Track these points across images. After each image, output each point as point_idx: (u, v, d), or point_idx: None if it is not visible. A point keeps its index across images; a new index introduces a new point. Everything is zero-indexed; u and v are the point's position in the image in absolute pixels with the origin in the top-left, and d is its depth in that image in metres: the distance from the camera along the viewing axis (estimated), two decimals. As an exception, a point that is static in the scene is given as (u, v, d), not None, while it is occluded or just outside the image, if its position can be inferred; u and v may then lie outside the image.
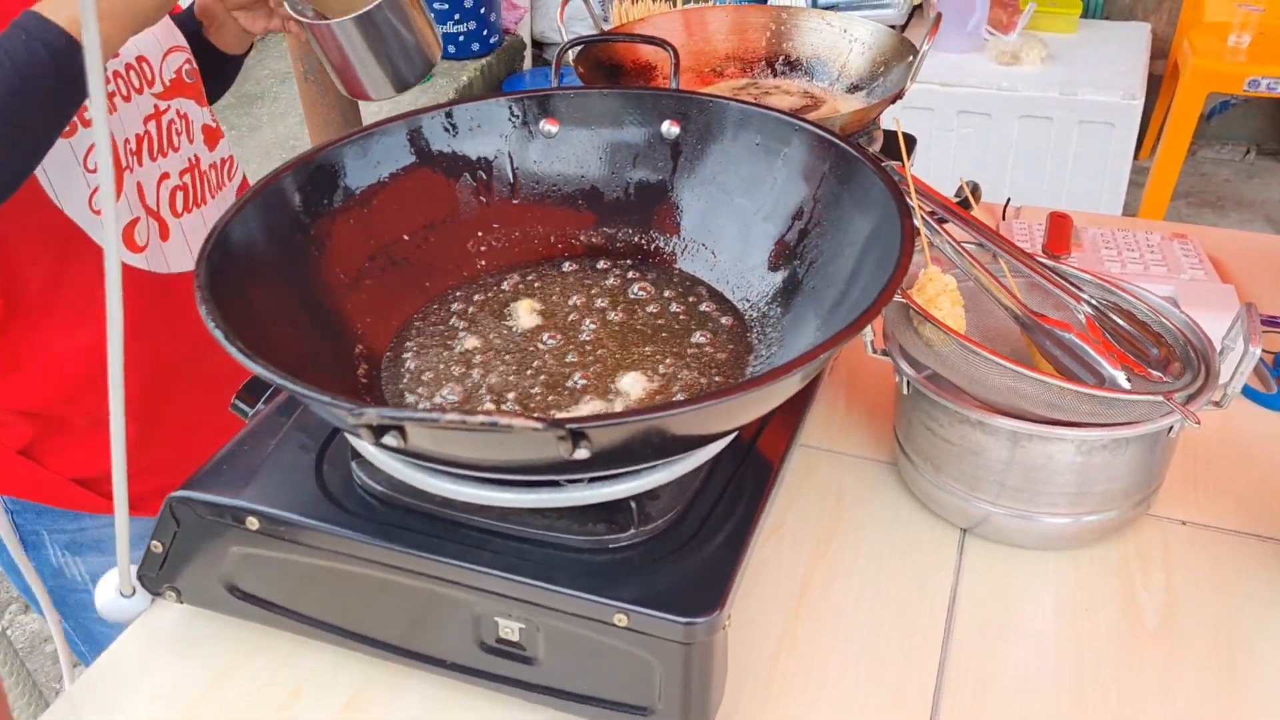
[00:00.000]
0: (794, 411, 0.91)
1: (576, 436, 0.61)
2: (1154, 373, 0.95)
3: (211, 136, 1.27)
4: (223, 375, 1.28)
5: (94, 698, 0.87)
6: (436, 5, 3.97)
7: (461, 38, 4.05)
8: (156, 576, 0.88)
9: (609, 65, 1.29)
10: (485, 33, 4.08)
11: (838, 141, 0.88)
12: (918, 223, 1.02)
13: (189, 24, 1.28)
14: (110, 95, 1.12)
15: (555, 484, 0.75)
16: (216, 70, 1.32)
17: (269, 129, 4.16)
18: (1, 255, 1.08)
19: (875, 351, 1.01)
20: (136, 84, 1.15)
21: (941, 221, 1.14)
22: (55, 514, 1.23)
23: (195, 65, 1.25)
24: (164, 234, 1.20)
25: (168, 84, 1.20)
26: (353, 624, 0.85)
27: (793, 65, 1.36)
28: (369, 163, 0.92)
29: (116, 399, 0.72)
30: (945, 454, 0.98)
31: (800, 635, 0.90)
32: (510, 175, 1.00)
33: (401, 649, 0.83)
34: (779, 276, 0.91)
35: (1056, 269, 1.06)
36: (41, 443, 1.20)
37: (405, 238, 0.95)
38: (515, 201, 1.00)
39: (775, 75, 1.37)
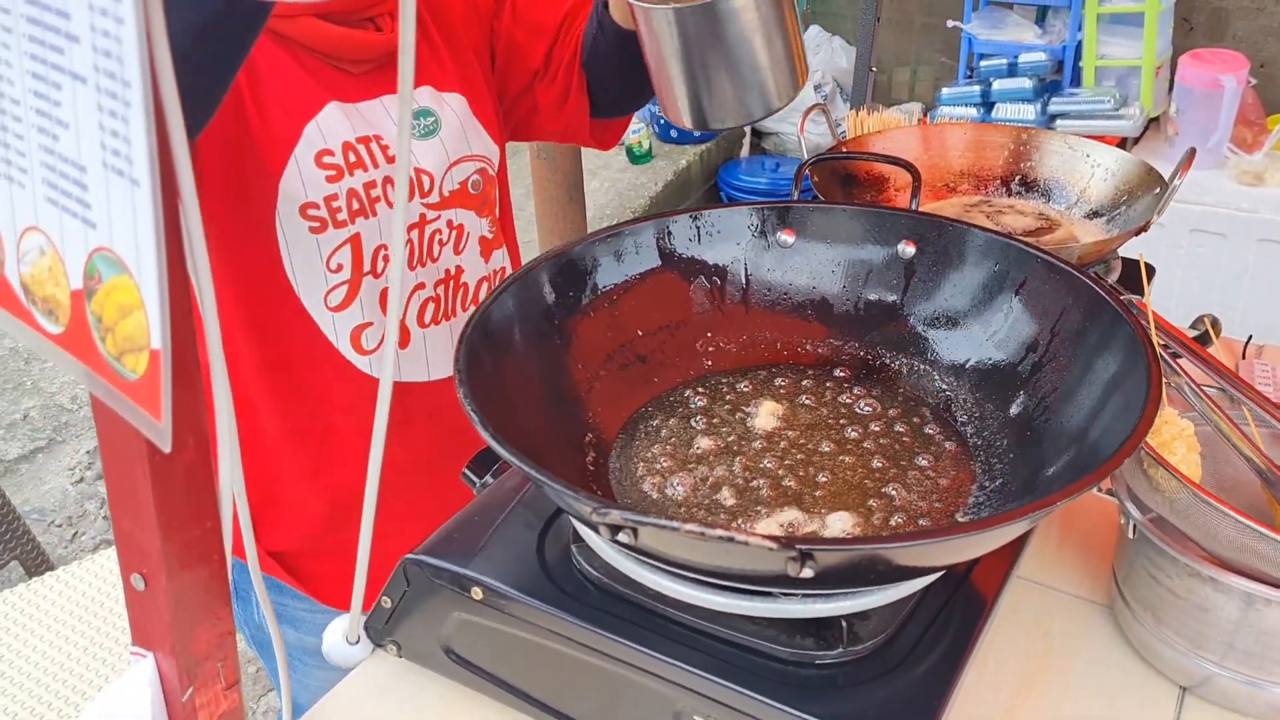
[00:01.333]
0: (1012, 546, 0.89)
1: (805, 557, 0.63)
2: None
3: (487, 247, 1.24)
4: (443, 483, 1.23)
5: (314, 737, 0.93)
6: (663, 90, 4.12)
7: (684, 123, 4.18)
8: (382, 629, 0.94)
9: (843, 174, 1.32)
10: (707, 119, 4.20)
11: (1082, 278, 0.88)
12: (1156, 362, 0.99)
13: (599, 10, 1.17)
14: (374, 200, 1.12)
15: (768, 593, 0.77)
16: (626, 68, 1.16)
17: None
18: (232, 329, 1.13)
19: (1100, 489, 0.98)
20: (414, 191, 1.14)
21: (1176, 356, 1.10)
22: (267, 584, 1.29)
23: (489, 175, 1.22)
24: (404, 342, 1.20)
25: (446, 195, 1.17)
26: (556, 700, 0.88)
27: (1029, 186, 1.35)
28: (618, 261, 0.98)
29: (374, 470, 0.78)
30: (1169, 605, 0.93)
31: (999, 777, 0.87)
32: (743, 281, 1.04)
33: (599, 732, 0.86)
34: (1008, 407, 0.91)
35: (1306, 423, 1.01)
36: (253, 514, 1.23)
37: (640, 333, 0.99)
38: (746, 307, 1.04)
39: (1010, 194, 1.36)
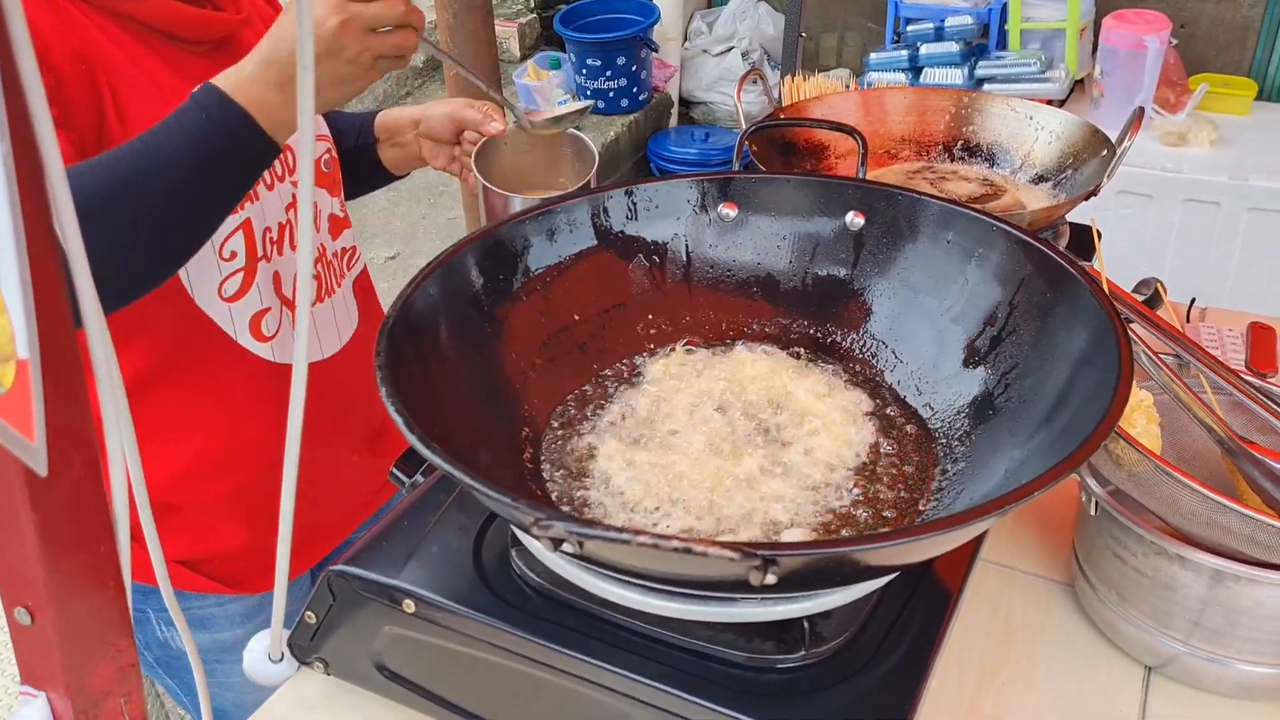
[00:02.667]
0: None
1: (768, 563, 0.57)
2: (1381, 517, 0.86)
3: (337, 225, 1.25)
4: (343, 461, 1.27)
5: (236, 766, 0.86)
6: (589, 61, 4.02)
7: (611, 94, 4.09)
8: (307, 646, 0.87)
9: (782, 142, 1.26)
10: (635, 90, 4.11)
11: (1042, 247, 0.83)
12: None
13: (365, 135, 1.28)
14: (257, 185, 1.08)
15: (726, 597, 0.71)
16: (368, 181, 1.33)
17: (423, 171, 4.27)
18: (123, 333, 1.05)
19: (1060, 466, 0.94)
20: (280, 171, 1.13)
21: (1128, 323, 1.07)
22: (158, 593, 1.23)
23: (334, 155, 1.25)
24: (295, 323, 1.18)
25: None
26: (499, 716, 0.82)
27: (972, 151, 1.31)
28: (550, 241, 0.91)
29: (289, 477, 0.71)
30: (1134, 584, 0.90)
31: (968, 772, 0.84)
32: (684, 258, 0.98)
33: (547, 748, 0.80)
34: (968, 386, 0.86)
35: (1265, 390, 0.98)
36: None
37: (576, 318, 0.93)
38: (688, 286, 0.98)
39: (953, 160, 1.32)
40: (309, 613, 0.85)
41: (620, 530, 0.54)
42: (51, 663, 0.66)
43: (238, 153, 0.91)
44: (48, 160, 0.49)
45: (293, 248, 1.15)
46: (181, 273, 1.05)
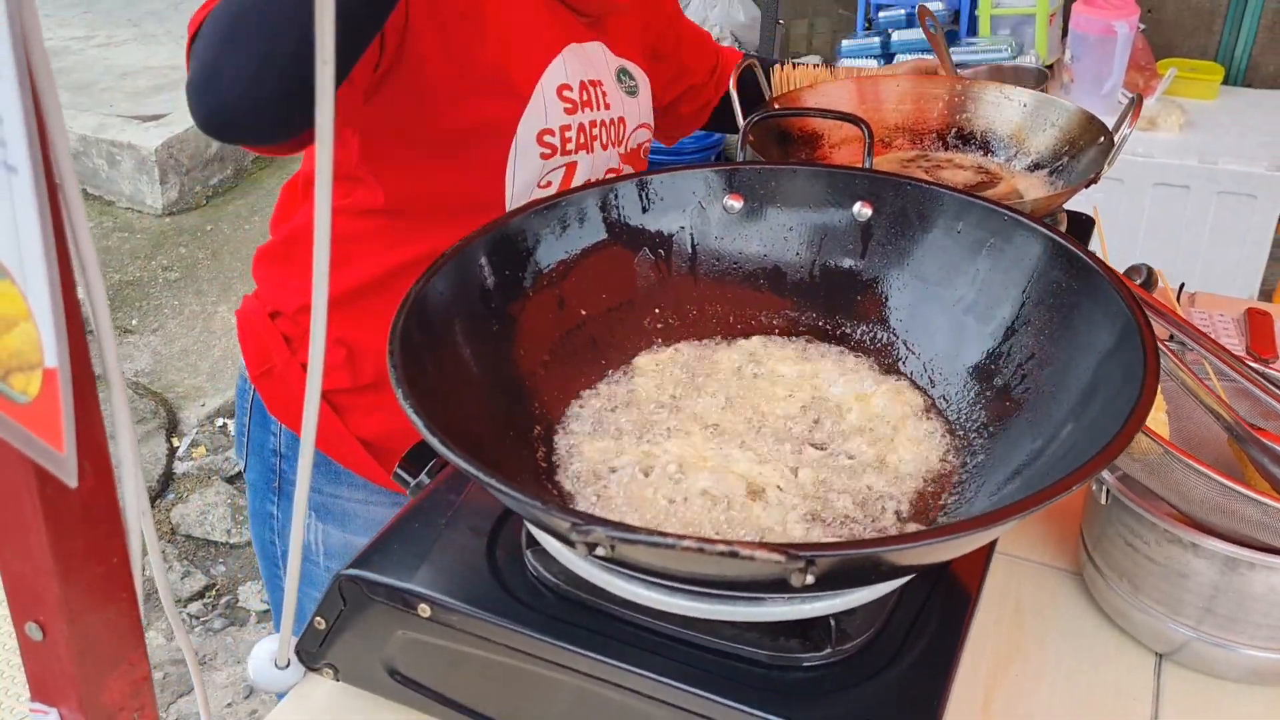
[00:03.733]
0: (993, 522, 0.84)
1: (809, 564, 0.56)
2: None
3: None
4: None
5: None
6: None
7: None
8: (315, 652, 0.85)
9: (778, 132, 1.25)
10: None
11: (1056, 237, 0.82)
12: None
13: None
14: (593, 138, 1.18)
15: (753, 597, 0.70)
16: None
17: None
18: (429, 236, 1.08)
19: (1069, 456, 0.94)
20: (614, 139, 1.21)
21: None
22: (320, 472, 1.22)
23: (648, 149, 1.33)
24: None
25: (630, 149, 1.26)
26: (516, 720, 0.81)
27: (966, 139, 1.31)
28: (557, 236, 0.89)
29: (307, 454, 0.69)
30: (1146, 572, 0.90)
31: (987, 764, 0.83)
32: (690, 250, 0.96)
33: (566, 751, 0.79)
34: (981, 377, 0.86)
35: (1269, 375, 0.98)
36: (346, 397, 1.19)
37: (584, 313, 0.91)
38: (694, 279, 0.96)
39: (947, 148, 1.31)
40: (318, 618, 0.83)
41: (664, 535, 0.53)
42: (63, 678, 0.64)
43: None
44: (66, 187, 0.47)
45: None
46: (508, 194, 1.13)
